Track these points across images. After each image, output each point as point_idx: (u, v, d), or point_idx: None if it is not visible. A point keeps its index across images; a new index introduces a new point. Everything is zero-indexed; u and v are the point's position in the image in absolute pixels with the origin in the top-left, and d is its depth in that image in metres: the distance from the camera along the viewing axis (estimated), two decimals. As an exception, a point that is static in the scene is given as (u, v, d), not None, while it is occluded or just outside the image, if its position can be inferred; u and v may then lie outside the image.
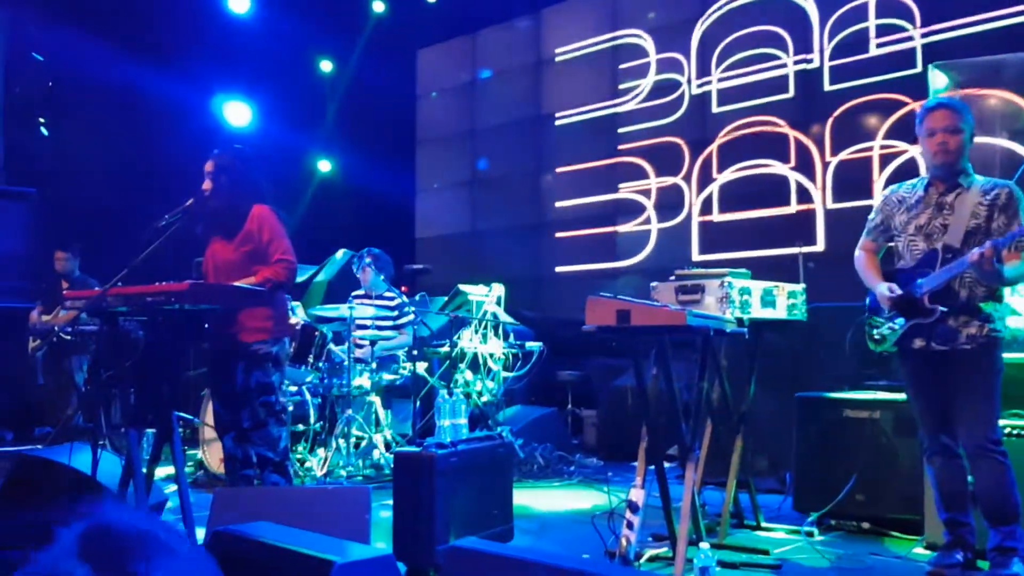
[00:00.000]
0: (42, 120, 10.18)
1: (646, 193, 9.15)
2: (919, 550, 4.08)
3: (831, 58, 7.80)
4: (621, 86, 9.42)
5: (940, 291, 3.55)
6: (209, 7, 9.95)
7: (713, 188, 8.53)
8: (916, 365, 3.72)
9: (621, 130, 9.36)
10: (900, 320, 3.66)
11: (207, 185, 4.30)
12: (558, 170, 9.99)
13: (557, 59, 10.12)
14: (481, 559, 2.36)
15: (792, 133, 8.00)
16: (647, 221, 9.10)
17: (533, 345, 6.83)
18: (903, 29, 7.34)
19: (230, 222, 4.31)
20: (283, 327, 4.38)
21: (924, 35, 7.22)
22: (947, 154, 3.61)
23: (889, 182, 7.05)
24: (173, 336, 3.74)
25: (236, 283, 4.07)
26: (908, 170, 6.96)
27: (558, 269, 9.86)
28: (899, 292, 3.64)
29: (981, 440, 3.51)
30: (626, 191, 9.30)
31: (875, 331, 3.78)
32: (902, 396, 4.36)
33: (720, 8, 8.61)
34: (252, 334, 4.18)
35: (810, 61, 7.91)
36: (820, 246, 7.66)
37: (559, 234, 9.88)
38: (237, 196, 4.30)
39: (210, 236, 4.43)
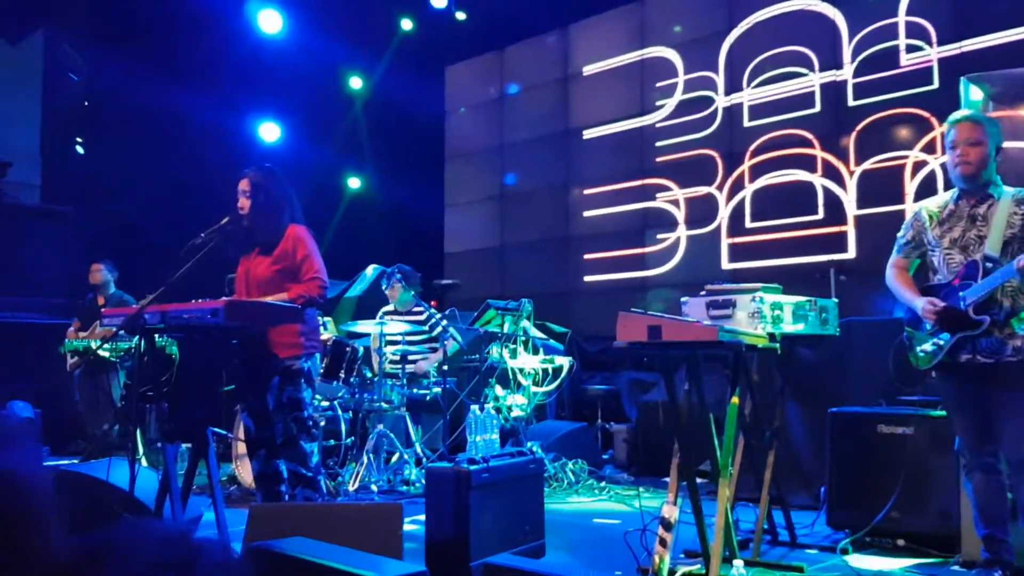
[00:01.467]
0: (79, 139, 10.37)
1: (675, 203, 9.16)
2: (955, 568, 4.03)
3: (857, 74, 7.81)
4: (657, 102, 9.45)
5: (985, 302, 3.52)
6: (240, 27, 10.10)
7: (745, 195, 8.53)
8: (959, 379, 3.68)
9: (657, 144, 9.40)
10: (945, 335, 3.61)
11: (243, 203, 4.35)
12: (587, 191, 10.03)
13: (585, 73, 10.16)
14: (516, 576, 2.37)
15: (820, 154, 8.00)
16: (676, 230, 9.11)
17: (563, 360, 6.83)
18: (924, 47, 7.35)
19: (267, 240, 4.37)
20: (315, 343, 4.43)
21: (945, 51, 7.22)
22: (967, 166, 3.62)
23: (916, 192, 7.05)
24: (209, 352, 3.79)
25: (269, 299, 4.12)
26: (930, 181, 6.97)
27: (587, 279, 9.87)
28: (943, 305, 3.61)
29: (1024, 454, 3.47)
30: (657, 201, 9.33)
31: (919, 347, 3.75)
32: (936, 411, 4.33)
33: (748, 22, 8.63)
34: (285, 350, 4.22)
35: (840, 68, 7.92)
36: (851, 253, 7.65)
37: (588, 256, 9.92)
38: (274, 214, 4.36)
39: (245, 254, 4.49)
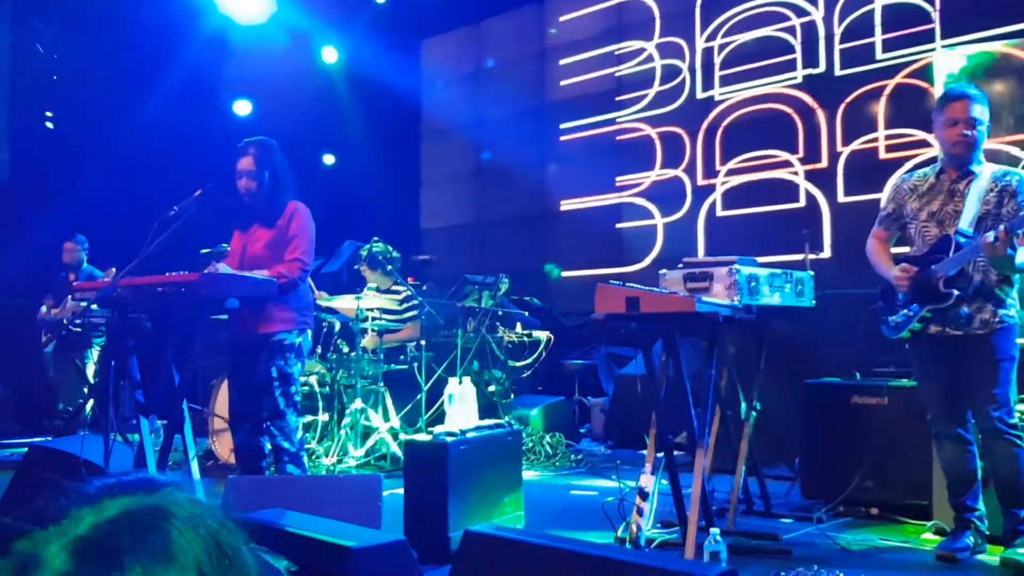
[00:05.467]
0: (48, 114, 10.20)
1: (646, 185, 9.09)
2: (927, 535, 4.09)
3: (838, 57, 7.73)
4: (622, 73, 9.40)
5: (954, 276, 3.56)
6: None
7: (717, 189, 8.44)
8: (929, 350, 3.73)
9: (622, 118, 9.34)
10: (915, 306, 3.67)
11: (250, 184, 4.27)
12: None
13: (561, 63, 10.03)
14: (496, 544, 2.38)
15: (800, 124, 7.97)
16: (650, 216, 9.02)
17: (541, 334, 6.84)
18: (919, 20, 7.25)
19: (271, 215, 4.33)
20: (307, 318, 4.37)
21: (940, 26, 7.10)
22: (967, 146, 3.64)
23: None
24: (184, 326, 3.75)
25: (246, 273, 4.06)
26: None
27: (564, 274, 9.76)
28: (915, 270, 3.65)
29: (996, 422, 3.53)
30: (629, 188, 9.25)
31: (890, 318, 3.79)
32: (910, 382, 4.38)
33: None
34: (276, 324, 4.17)
35: (816, 66, 7.86)
36: (827, 252, 7.54)
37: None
38: (279, 190, 4.33)
39: (247, 227, 4.44)
